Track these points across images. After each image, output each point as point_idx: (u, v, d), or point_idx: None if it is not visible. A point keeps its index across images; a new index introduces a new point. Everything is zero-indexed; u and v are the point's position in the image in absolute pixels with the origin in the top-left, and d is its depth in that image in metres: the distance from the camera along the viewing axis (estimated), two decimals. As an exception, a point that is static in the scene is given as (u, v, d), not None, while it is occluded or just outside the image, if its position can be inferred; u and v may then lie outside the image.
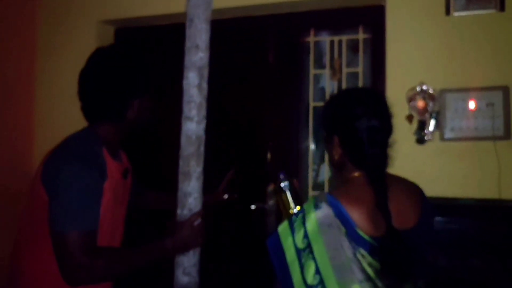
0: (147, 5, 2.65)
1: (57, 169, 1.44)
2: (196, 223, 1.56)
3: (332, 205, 1.24)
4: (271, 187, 2.43)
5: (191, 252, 1.58)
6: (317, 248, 1.22)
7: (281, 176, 1.60)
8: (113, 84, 1.56)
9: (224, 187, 2.09)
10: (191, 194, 1.58)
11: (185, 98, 1.58)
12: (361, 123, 1.33)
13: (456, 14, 2.21)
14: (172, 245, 1.52)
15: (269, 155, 2.61)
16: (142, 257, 1.51)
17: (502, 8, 2.16)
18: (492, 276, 1.91)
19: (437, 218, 1.95)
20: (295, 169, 2.63)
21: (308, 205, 1.28)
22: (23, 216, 1.59)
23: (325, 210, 1.24)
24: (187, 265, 1.59)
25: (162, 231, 1.55)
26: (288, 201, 1.58)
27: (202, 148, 1.61)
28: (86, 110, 1.60)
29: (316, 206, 1.25)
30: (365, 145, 1.33)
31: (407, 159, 2.17)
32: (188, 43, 1.58)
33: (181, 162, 1.59)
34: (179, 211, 1.58)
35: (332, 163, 1.46)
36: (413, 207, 1.36)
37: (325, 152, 1.54)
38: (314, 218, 1.24)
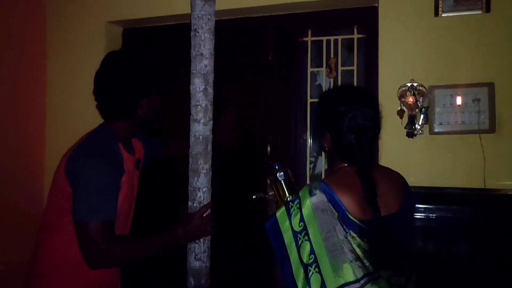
0: (154, 6, 2.73)
1: (80, 165, 1.57)
2: (205, 214, 1.70)
3: (325, 191, 1.35)
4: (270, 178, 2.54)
5: (201, 240, 1.73)
6: (312, 231, 1.33)
7: (276, 167, 1.72)
8: (124, 85, 1.69)
9: (229, 126, 2.29)
10: (200, 189, 1.73)
11: (192, 102, 1.73)
12: (346, 122, 1.43)
13: (444, 15, 2.28)
14: (183, 234, 1.66)
15: (268, 148, 2.71)
16: (156, 244, 1.66)
17: (488, 9, 2.23)
18: (476, 260, 2.01)
19: (426, 206, 2.06)
20: (293, 161, 2.72)
21: (303, 192, 1.39)
22: (46, 205, 1.72)
23: (319, 197, 1.35)
24: (198, 251, 1.74)
25: (175, 221, 1.70)
26: (283, 190, 1.69)
27: (209, 147, 1.75)
28: (101, 108, 1.74)
29: (311, 193, 1.36)
30: (353, 147, 1.43)
31: (399, 152, 2.29)
32: (193, 52, 1.72)
33: (190, 160, 1.75)
34: (190, 203, 1.74)
35: (324, 153, 1.58)
36: (397, 194, 1.48)
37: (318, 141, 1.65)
38: (309, 204, 1.35)
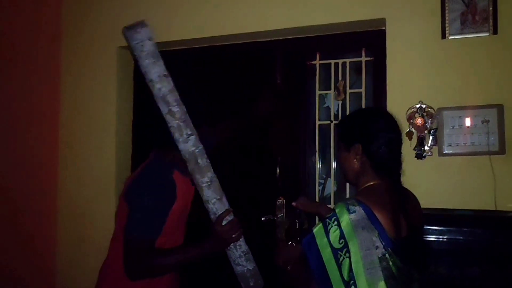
0: (164, 32, 2.75)
1: (135, 191, 1.80)
2: (224, 222, 1.78)
3: (364, 209, 1.36)
4: (280, 201, 2.55)
5: (231, 247, 1.83)
6: (353, 248, 1.33)
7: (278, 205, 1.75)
8: (155, 116, 1.78)
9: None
10: (209, 201, 1.80)
11: (168, 125, 1.76)
12: (383, 134, 1.51)
13: (451, 37, 2.29)
14: (210, 246, 1.79)
15: (278, 170, 2.72)
16: (188, 258, 1.81)
17: (495, 31, 2.23)
18: (489, 283, 1.97)
19: (436, 228, 2.03)
20: (302, 183, 2.73)
21: (340, 209, 1.37)
22: (116, 219, 1.93)
23: (358, 214, 1.35)
24: (234, 257, 1.86)
25: (205, 235, 1.82)
26: (282, 233, 1.73)
27: (201, 161, 1.77)
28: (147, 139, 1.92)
29: (349, 210, 1.36)
30: (386, 152, 1.50)
31: (408, 173, 2.20)
32: (146, 79, 1.73)
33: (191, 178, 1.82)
34: (210, 216, 1.83)
35: (348, 171, 1.58)
36: (418, 211, 1.56)
37: (340, 162, 1.68)
38: (348, 220, 1.34)
